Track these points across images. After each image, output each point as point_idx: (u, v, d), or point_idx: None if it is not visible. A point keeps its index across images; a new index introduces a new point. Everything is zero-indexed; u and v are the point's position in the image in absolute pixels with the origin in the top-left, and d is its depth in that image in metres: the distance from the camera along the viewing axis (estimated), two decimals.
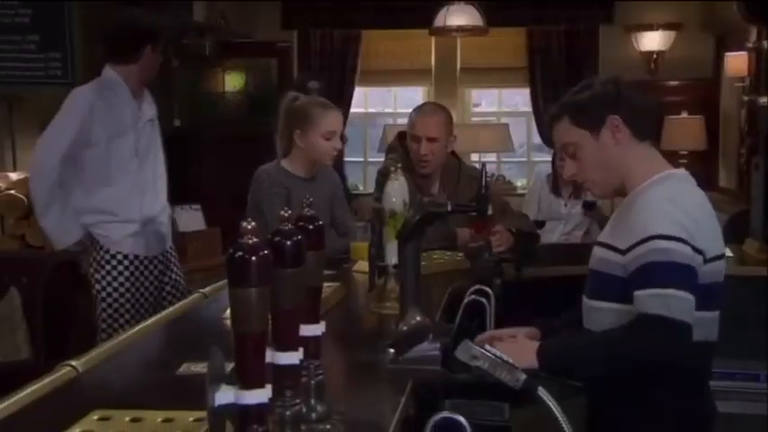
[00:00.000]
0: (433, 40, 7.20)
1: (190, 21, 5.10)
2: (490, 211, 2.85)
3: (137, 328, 2.13)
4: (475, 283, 2.31)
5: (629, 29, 7.04)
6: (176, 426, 1.30)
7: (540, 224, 4.37)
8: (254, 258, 1.06)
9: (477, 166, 4.01)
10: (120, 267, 3.43)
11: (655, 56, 6.99)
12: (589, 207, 4.62)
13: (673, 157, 6.35)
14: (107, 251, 3.42)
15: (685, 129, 6.70)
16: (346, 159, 6.87)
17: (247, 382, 1.08)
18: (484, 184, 2.02)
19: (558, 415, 1.68)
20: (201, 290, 2.51)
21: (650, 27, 6.96)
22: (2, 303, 3.78)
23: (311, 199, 1.40)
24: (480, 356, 1.67)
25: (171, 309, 2.42)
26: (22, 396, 1.54)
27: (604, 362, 1.87)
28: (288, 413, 1.22)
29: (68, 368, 1.70)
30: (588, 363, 1.88)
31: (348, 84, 7.35)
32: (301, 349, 1.24)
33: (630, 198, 2.02)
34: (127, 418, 1.33)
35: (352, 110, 7.49)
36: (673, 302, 1.78)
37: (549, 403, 1.69)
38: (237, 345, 1.08)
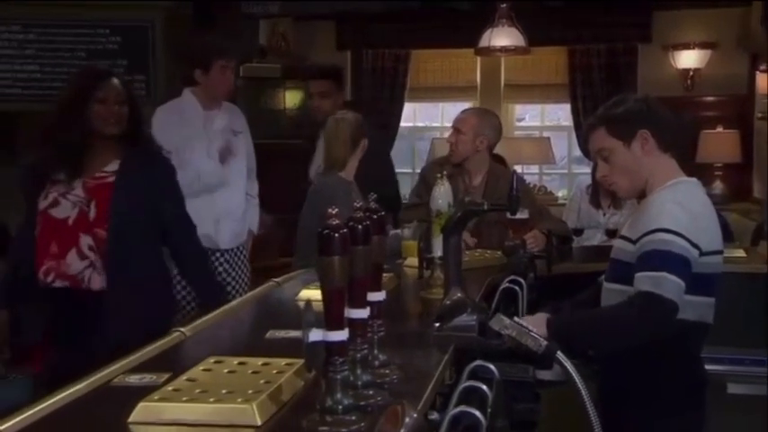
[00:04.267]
0: (478, 59, 7.47)
1: (256, 43, 5.57)
2: (525, 215, 3.23)
3: (225, 306, 2.54)
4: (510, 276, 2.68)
5: (667, 47, 7.23)
6: (274, 366, 1.69)
7: (579, 232, 4.58)
8: (336, 235, 1.46)
9: None
10: None
11: (691, 73, 7.16)
12: (611, 234, 4.60)
13: (708, 170, 6.59)
14: None
15: (721, 142, 6.90)
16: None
17: (332, 325, 1.47)
18: (515, 186, 2.38)
19: (575, 376, 2.01)
20: (275, 279, 2.93)
21: (687, 46, 7.15)
22: None
23: (374, 195, 1.81)
24: (510, 326, 2.02)
25: (249, 294, 2.84)
26: (145, 352, 1.93)
27: (599, 330, 2.22)
28: (358, 356, 1.61)
29: (178, 333, 2.12)
30: (588, 331, 2.23)
31: (398, 100, 7.69)
32: (368, 308, 1.64)
33: (647, 199, 2.35)
34: (235, 362, 1.74)
35: (402, 124, 7.84)
36: (664, 283, 2.09)
37: (566, 364, 2.03)
38: (325, 297, 1.48)
